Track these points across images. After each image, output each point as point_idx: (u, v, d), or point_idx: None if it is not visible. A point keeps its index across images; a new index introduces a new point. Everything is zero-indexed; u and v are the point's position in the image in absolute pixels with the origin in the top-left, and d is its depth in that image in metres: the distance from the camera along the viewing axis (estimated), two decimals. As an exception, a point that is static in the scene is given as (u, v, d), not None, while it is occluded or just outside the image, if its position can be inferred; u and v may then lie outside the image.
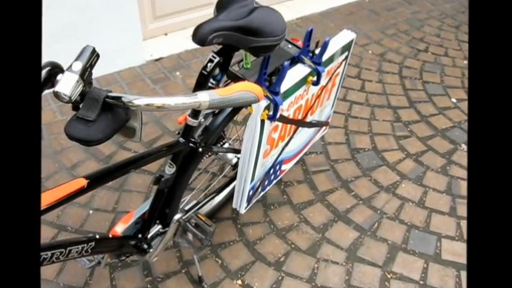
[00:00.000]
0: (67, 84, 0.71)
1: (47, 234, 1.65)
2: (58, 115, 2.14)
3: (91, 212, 1.73)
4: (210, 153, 1.60)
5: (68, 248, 0.98)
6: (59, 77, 0.73)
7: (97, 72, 2.41)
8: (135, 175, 1.88)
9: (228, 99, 0.79)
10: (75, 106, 0.75)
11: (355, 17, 3.08)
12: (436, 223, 1.75)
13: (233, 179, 1.62)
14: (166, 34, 2.79)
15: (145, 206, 1.30)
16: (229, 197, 1.67)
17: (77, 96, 0.73)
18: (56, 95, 0.72)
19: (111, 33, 2.33)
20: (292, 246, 1.64)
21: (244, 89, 0.82)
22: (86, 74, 0.73)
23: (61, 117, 2.14)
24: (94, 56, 0.74)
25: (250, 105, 1.14)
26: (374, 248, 1.65)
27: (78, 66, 0.72)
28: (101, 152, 1.97)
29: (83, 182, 0.91)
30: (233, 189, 1.50)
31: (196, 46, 1.33)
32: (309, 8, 3.15)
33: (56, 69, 0.74)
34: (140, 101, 0.74)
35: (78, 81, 0.71)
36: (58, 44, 2.15)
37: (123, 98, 0.74)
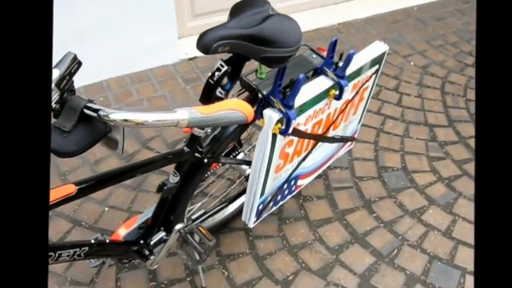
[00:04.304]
0: None
1: (62, 227, 1.67)
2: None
3: (106, 209, 1.74)
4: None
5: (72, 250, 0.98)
6: None
7: (129, 69, 2.45)
8: (154, 175, 1.87)
9: (210, 119, 0.74)
10: (56, 114, 0.72)
11: (400, 26, 2.93)
12: (462, 256, 1.61)
13: (245, 189, 1.57)
14: (204, 33, 2.77)
15: (150, 212, 1.28)
16: (243, 207, 1.62)
17: (56, 105, 0.70)
18: None
19: (146, 31, 2.33)
20: (303, 265, 1.57)
21: (231, 108, 0.76)
22: (63, 82, 0.70)
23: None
24: (74, 63, 0.71)
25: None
26: (390, 276, 1.54)
27: (55, 74, 0.69)
28: (124, 150, 1.97)
29: (73, 189, 0.88)
30: (245, 200, 1.44)
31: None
32: (353, 13, 3.03)
33: None
34: (117, 115, 0.70)
35: (53, 90, 0.68)
36: (93, 40, 2.18)
37: (100, 111, 0.70)
